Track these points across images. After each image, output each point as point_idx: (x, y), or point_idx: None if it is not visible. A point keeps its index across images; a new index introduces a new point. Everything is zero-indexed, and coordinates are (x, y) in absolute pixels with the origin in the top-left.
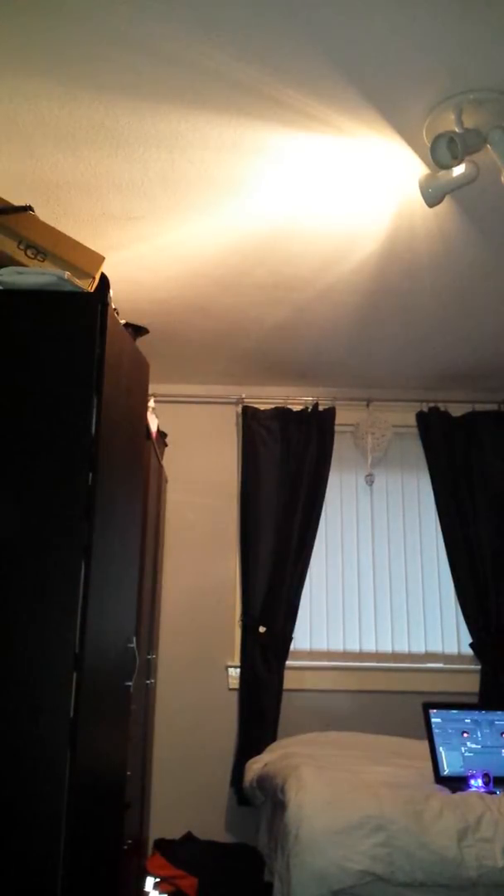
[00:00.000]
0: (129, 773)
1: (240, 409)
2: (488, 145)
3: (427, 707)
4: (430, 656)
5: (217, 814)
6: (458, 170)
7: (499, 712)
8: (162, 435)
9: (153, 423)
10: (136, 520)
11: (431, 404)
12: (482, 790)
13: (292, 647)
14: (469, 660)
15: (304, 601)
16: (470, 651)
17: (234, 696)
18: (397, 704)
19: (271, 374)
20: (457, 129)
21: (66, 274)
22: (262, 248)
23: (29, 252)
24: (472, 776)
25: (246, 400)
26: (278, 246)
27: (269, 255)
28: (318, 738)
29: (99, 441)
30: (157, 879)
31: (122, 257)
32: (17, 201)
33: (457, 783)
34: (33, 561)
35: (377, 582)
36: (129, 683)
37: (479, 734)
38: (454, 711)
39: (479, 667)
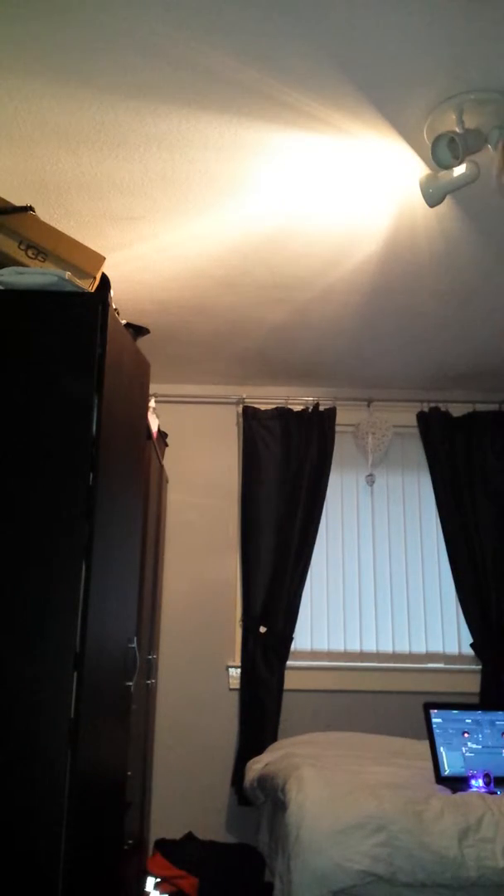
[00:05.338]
0: (129, 773)
1: (240, 409)
2: (489, 145)
3: (428, 707)
4: (430, 656)
5: (218, 814)
6: (459, 170)
7: (499, 712)
8: (162, 435)
9: (154, 424)
10: (137, 520)
11: (432, 404)
12: (483, 790)
13: (293, 647)
14: (470, 660)
15: (305, 601)
16: (471, 651)
17: (235, 697)
18: (398, 704)
19: (272, 374)
20: (458, 129)
21: (67, 274)
22: (263, 248)
23: (29, 252)
24: (473, 776)
25: (246, 400)
26: (278, 246)
27: (269, 255)
28: (318, 738)
29: (99, 441)
30: (158, 879)
31: (123, 257)
32: (18, 201)
33: (457, 783)
34: (34, 561)
35: (378, 582)
36: (130, 683)
37: (479, 734)
38: (455, 712)
39: (479, 667)
